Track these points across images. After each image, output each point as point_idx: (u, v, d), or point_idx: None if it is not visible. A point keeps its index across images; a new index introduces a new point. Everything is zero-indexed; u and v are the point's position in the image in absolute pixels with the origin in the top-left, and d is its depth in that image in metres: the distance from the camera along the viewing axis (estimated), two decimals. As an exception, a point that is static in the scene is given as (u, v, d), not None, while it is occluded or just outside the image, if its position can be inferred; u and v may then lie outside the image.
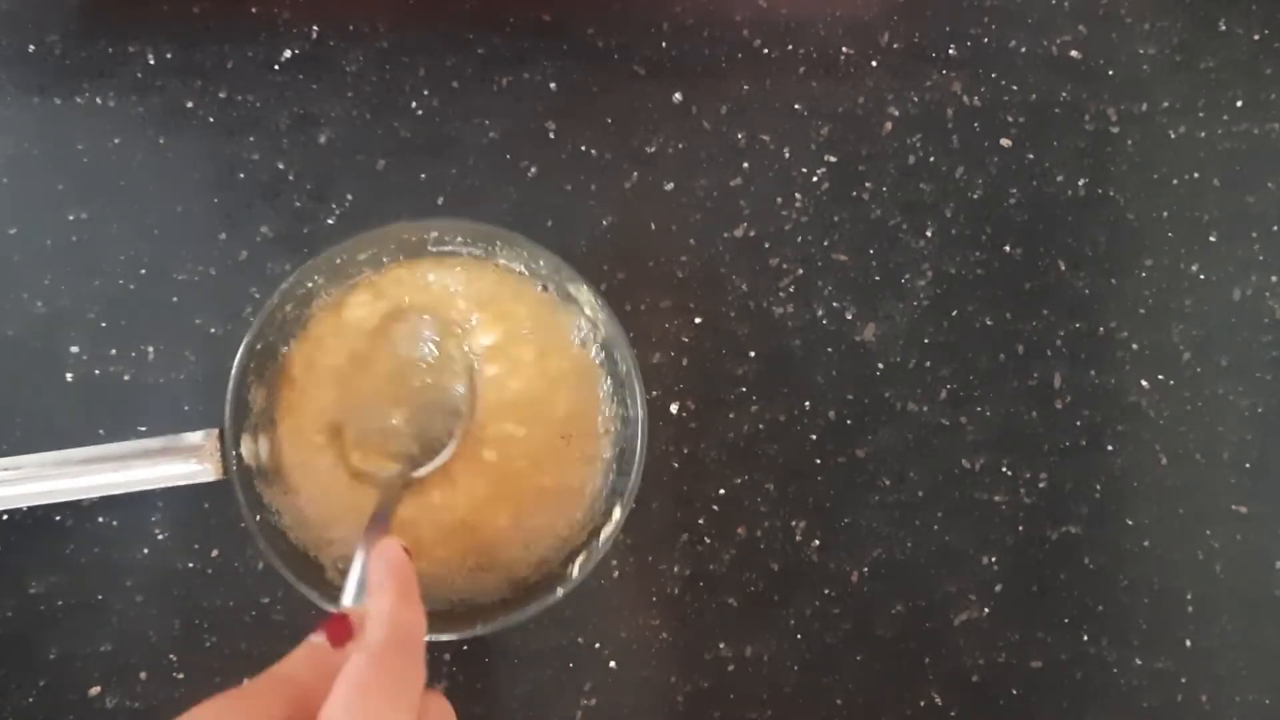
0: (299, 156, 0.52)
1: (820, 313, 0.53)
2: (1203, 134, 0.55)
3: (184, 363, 0.51)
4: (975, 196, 0.54)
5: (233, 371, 0.45)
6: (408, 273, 0.48)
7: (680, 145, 0.53)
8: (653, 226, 0.53)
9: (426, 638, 0.36)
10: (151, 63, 0.53)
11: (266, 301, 0.45)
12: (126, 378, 0.51)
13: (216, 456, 0.45)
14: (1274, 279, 0.54)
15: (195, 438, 0.46)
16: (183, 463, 0.46)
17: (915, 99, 0.54)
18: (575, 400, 0.48)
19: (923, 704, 0.51)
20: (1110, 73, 0.55)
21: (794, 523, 0.52)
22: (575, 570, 0.45)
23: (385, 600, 0.35)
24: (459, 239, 0.47)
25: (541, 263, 0.47)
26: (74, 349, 0.51)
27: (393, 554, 0.37)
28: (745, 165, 0.54)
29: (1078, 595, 0.52)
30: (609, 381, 0.48)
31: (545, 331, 0.48)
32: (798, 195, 0.54)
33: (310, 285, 0.47)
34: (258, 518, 0.45)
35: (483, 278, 0.48)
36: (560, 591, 0.44)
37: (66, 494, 0.46)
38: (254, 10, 0.53)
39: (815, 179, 0.54)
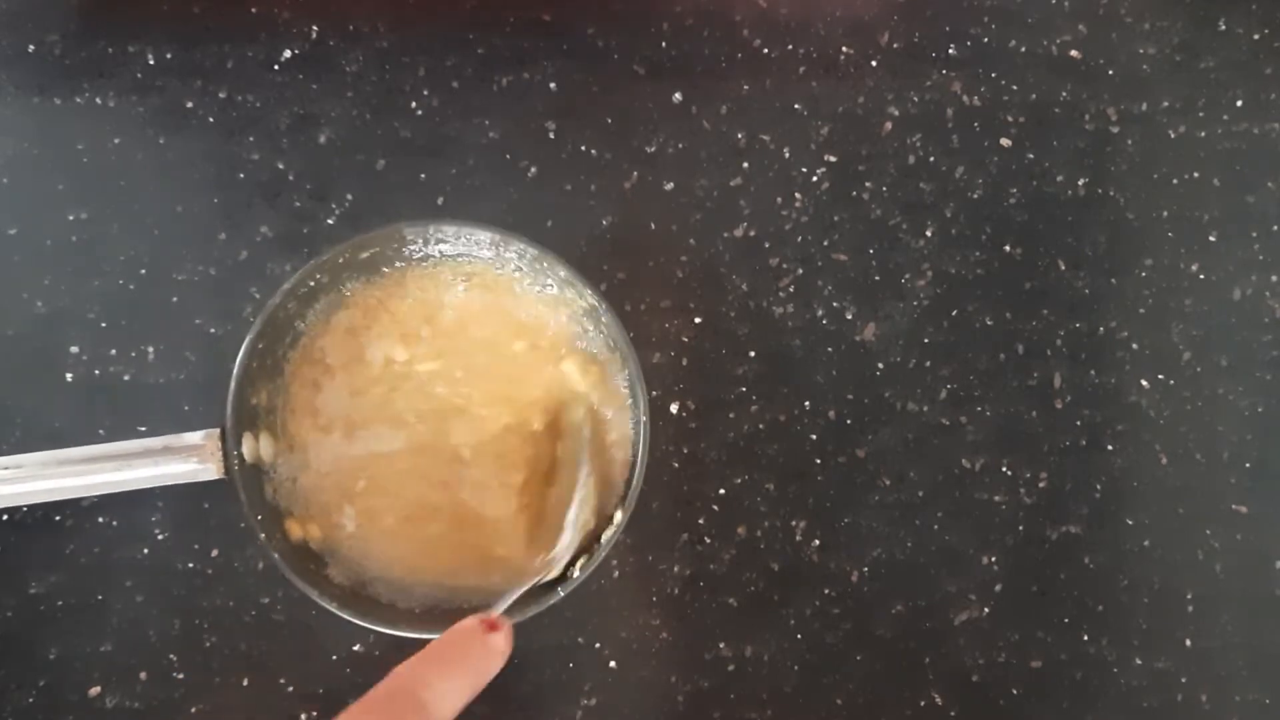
0: (299, 156, 0.52)
1: (820, 313, 0.53)
2: (1203, 134, 0.55)
3: (184, 363, 0.51)
4: (975, 196, 0.54)
5: (235, 371, 0.45)
6: (409, 277, 0.48)
7: (680, 145, 0.53)
8: (653, 226, 0.53)
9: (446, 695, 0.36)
10: (151, 63, 0.53)
11: (269, 301, 0.45)
12: (126, 378, 0.51)
13: (218, 455, 0.45)
14: (1274, 279, 0.54)
15: (196, 437, 0.46)
16: (184, 462, 0.45)
17: (915, 99, 0.54)
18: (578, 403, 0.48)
19: (923, 704, 0.51)
20: (1110, 73, 0.55)
21: (794, 523, 0.52)
22: (576, 571, 0.45)
23: (412, 660, 0.37)
24: (461, 239, 0.47)
25: (544, 264, 0.47)
26: (74, 349, 0.51)
27: (457, 626, 0.39)
28: (745, 165, 0.54)
29: (1078, 595, 0.52)
30: (611, 383, 0.48)
31: (547, 334, 0.48)
32: (798, 195, 0.54)
33: (312, 284, 0.47)
34: (259, 516, 0.45)
35: (484, 279, 0.48)
36: (561, 592, 0.44)
37: (68, 492, 0.46)
38: (254, 10, 0.53)
39: (815, 179, 0.54)
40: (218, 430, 0.45)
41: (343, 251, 0.46)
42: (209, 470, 0.45)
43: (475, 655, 0.38)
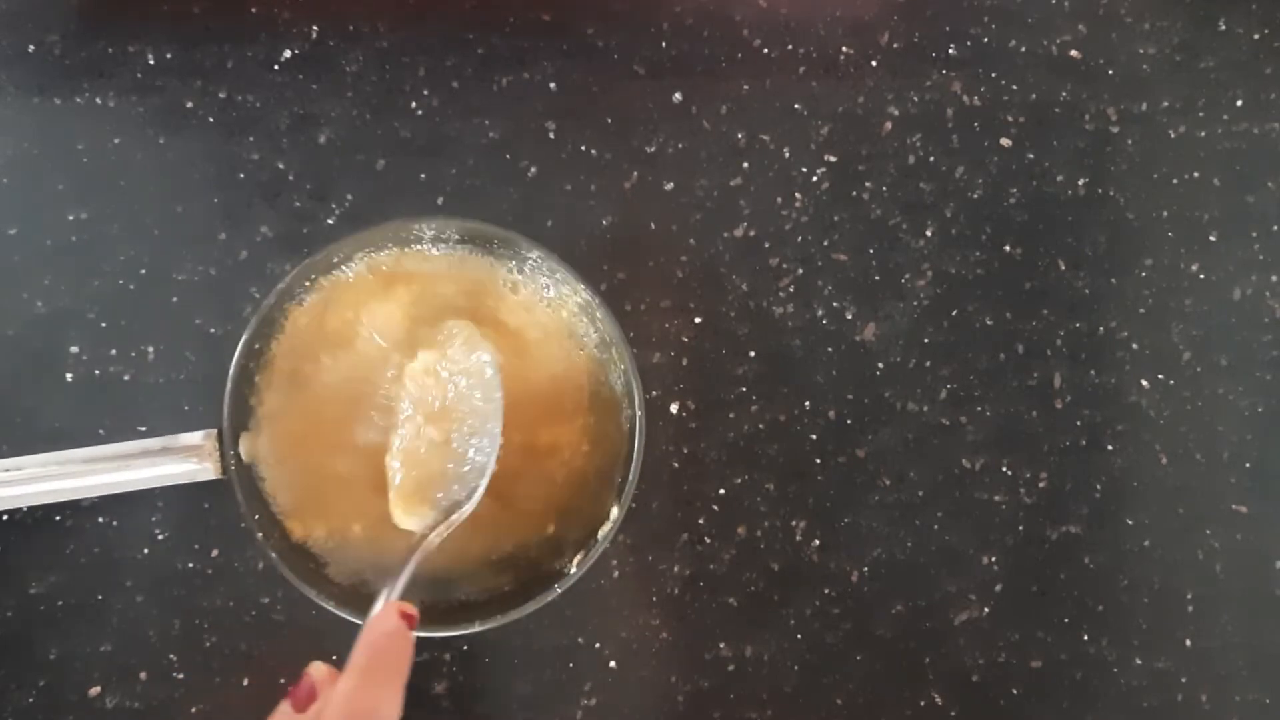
0: (299, 156, 0.52)
1: (820, 313, 0.53)
2: (1203, 134, 0.55)
3: (184, 363, 0.51)
4: (975, 196, 0.54)
5: (230, 371, 0.45)
6: (401, 270, 0.48)
7: (680, 145, 0.54)
8: (653, 226, 0.53)
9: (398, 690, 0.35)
10: (151, 63, 0.53)
11: (264, 301, 0.45)
12: (126, 378, 0.51)
13: (216, 456, 0.45)
14: (1274, 279, 0.54)
15: (194, 437, 0.46)
16: (182, 462, 0.46)
17: (915, 99, 0.54)
18: (575, 400, 0.48)
19: (923, 704, 0.51)
20: (1110, 73, 0.55)
21: (794, 523, 0.52)
22: (573, 567, 0.45)
23: (348, 682, 0.35)
24: (455, 237, 0.47)
25: (539, 261, 0.47)
26: (74, 349, 0.51)
27: (381, 628, 0.37)
28: (745, 165, 0.54)
29: (1078, 595, 0.52)
30: (607, 380, 0.48)
31: (542, 331, 0.48)
32: (798, 195, 0.54)
33: (307, 284, 0.47)
34: (257, 516, 0.45)
35: (477, 276, 0.48)
36: (559, 589, 0.44)
37: (68, 494, 0.46)
38: (254, 10, 0.53)
39: (815, 179, 0.54)
40: (215, 430, 0.45)
41: (337, 250, 0.46)
42: (207, 470, 0.45)
43: (406, 656, 0.37)
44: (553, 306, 0.48)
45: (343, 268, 0.47)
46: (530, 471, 0.47)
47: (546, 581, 0.45)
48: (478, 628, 0.44)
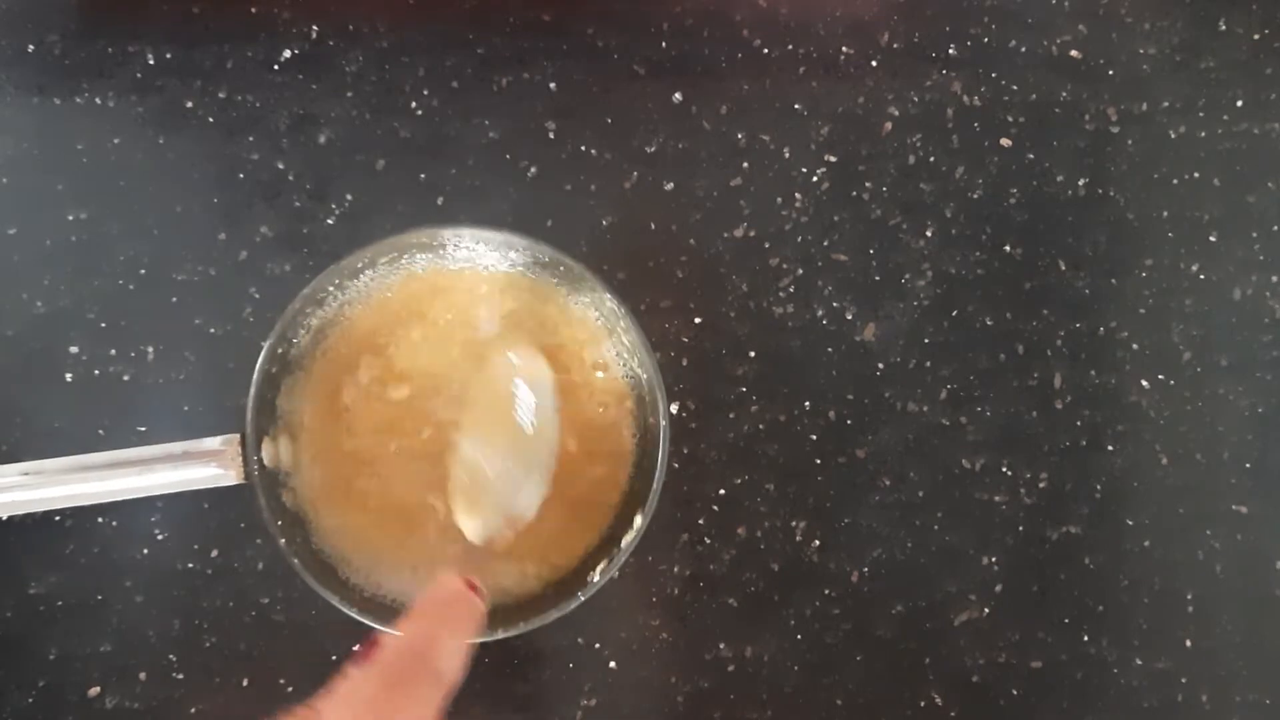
0: (299, 156, 0.52)
1: (820, 313, 0.53)
2: (1203, 134, 0.55)
3: (184, 363, 0.51)
4: (975, 196, 0.54)
5: (254, 377, 0.44)
6: (440, 279, 0.48)
7: (680, 145, 0.54)
8: (653, 226, 0.53)
9: (455, 656, 0.35)
10: (151, 63, 0.53)
11: (289, 306, 0.45)
12: (126, 378, 0.51)
13: (238, 461, 0.45)
14: (1274, 279, 0.54)
15: (215, 442, 0.45)
16: (204, 467, 0.45)
17: (915, 99, 0.54)
18: (598, 408, 0.48)
19: (923, 704, 0.51)
20: (1110, 73, 0.55)
21: (794, 523, 0.52)
22: (597, 575, 0.45)
23: (404, 623, 0.35)
24: (480, 245, 0.47)
25: (563, 269, 0.47)
26: (74, 349, 0.51)
27: (445, 584, 0.37)
28: (745, 165, 0.54)
29: (1078, 595, 0.52)
30: (632, 388, 0.48)
31: (570, 340, 0.48)
32: (798, 195, 0.54)
33: (331, 288, 0.46)
34: (279, 521, 0.44)
35: (507, 285, 0.48)
36: (582, 596, 0.44)
37: (87, 498, 0.45)
38: (254, 10, 0.53)
39: (815, 179, 0.54)
40: (237, 435, 0.45)
41: (363, 256, 0.46)
42: (229, 476, 0.45)
43: (469, 615, 0.37)
44: (580, 316, 0.48)
45: (370, 272, 0.47)
46: (558, 480, 0.47)
47: (568, 588, 0.45)
48: (501, 634, 0.43)
